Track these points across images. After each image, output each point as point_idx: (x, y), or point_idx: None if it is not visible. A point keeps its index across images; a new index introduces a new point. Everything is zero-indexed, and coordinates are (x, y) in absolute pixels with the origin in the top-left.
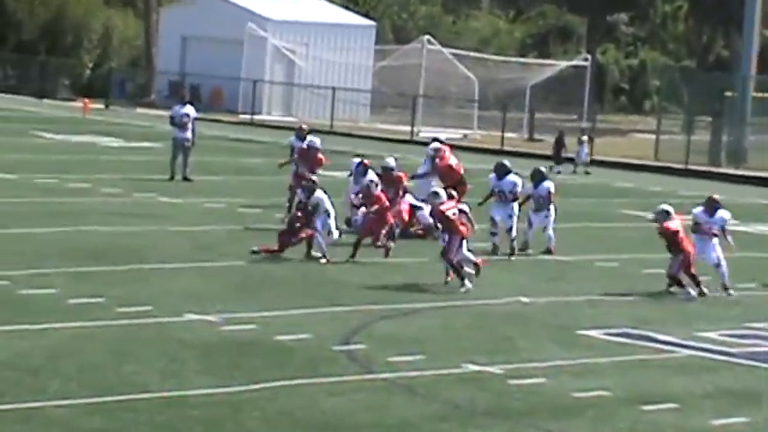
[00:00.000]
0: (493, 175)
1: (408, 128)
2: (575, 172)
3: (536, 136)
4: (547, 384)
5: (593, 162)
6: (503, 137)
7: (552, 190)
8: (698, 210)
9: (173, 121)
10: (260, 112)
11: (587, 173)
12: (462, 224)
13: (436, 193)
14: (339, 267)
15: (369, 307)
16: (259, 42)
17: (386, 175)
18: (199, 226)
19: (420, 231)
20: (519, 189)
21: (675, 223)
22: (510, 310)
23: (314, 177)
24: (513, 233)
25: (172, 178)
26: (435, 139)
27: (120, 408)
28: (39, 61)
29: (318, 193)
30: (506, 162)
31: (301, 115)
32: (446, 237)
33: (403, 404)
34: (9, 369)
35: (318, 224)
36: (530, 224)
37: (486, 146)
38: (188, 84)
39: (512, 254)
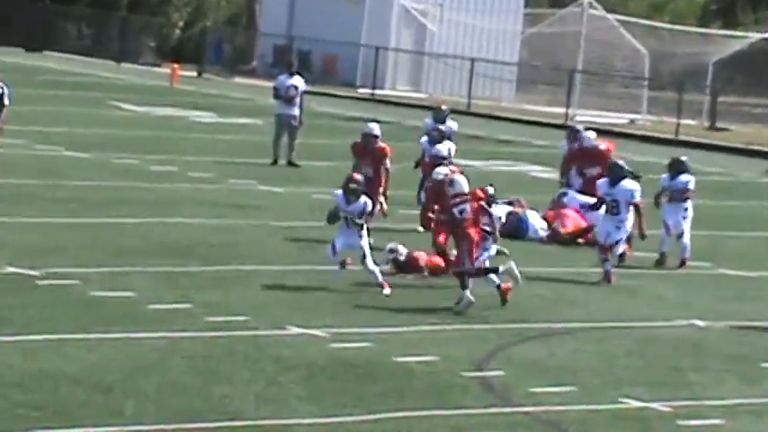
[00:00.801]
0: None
1: (562, 110)
2: None
3: (719, 124)
4: (725, 427)
5: None
6: (678, 124)
7: (691, 186)
8: None
9: (277, 93)
10: (382, 86)
11: None
12: (474, 227)
13: (452, 181)
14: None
15: (508, 326)
16: (384, 1)
17: (436, 164)
18: (306, 221)
19: (584, 238)
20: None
21: None
22: (681, 335)
23: (359, 177)
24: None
25: (275, 162)
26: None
27: None
28: (119, 18)
29: (364, 201)
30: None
31: (432, 91)
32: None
33: None
34: (77, 385)
35: (338, 243)
36: (666, 229)
37: (657, 134)
38: (296, 49)
39: (682, 264)
